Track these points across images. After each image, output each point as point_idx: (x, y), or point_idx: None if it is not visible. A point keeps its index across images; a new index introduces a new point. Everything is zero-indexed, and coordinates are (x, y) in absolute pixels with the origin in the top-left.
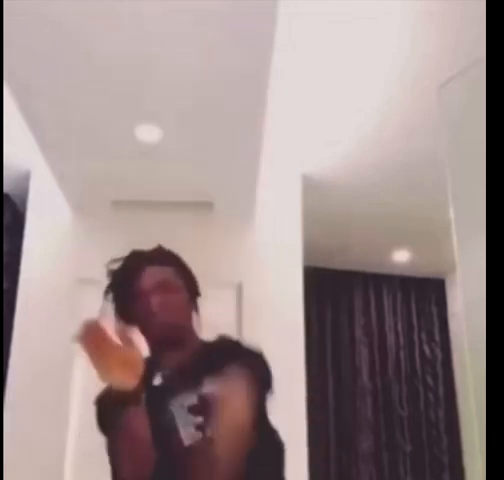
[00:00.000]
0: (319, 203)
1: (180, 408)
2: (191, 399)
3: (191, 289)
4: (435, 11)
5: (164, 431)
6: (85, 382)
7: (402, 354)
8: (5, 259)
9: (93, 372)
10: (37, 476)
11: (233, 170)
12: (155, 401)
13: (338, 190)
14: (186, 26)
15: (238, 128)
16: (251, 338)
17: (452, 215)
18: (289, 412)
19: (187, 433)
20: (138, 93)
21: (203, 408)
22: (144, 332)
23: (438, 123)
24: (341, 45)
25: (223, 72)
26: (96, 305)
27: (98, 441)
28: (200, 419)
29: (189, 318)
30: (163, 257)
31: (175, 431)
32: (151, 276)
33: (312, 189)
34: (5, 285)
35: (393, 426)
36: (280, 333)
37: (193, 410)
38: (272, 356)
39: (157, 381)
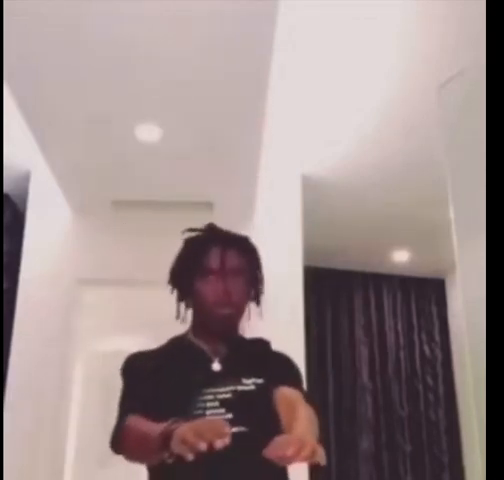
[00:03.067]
0: (319, 203)
1: (213, 400)
2: (226, 394)
3: (258, 286)
4: (435, 11)
5: (193, 417)
6: (85, 382)
7: (402, 354)
8: (5, 259)
9: (92, 371)
10: (37, 475)
11: (233, 170)
12: (204, 387)
13: (338, 190)
14: (186, 26)
15: (238, 128)
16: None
17: (452, 215)
18: None
19: None
20: (138, 93)
21: (236, 404)
22: (202, 308)
23: (438, 123)
24: (341, 45)
25: (223, 72)
26: (96, 305)
27: (97, 440)
28: (229, 415)
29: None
30: (246, 245)
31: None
32: (232, 259)
33: (312, 189)
34: (5, 285)
35: (393, 426)
36: (280, 333)
37: (225, 404)
38: None
39: (217, 367)
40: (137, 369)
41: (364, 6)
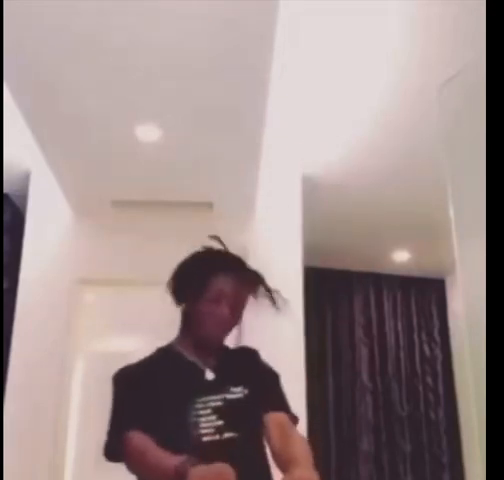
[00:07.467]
0: (319, 203)
1: (205, 408)
2: (216, 402)
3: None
4: (435, 11)
5: (188, 425)
6: (85, 381)
7: (402, 354)
8: (5, 259)
9: (92, 371)
10: (37, 475)
11: (233, 170)
12: (195, 397)
13: (338, 190)
14: (187, 27)
15: (238, 128)
16: (251, 338)
17: (452, 215)
18: None
19: (206, 431)
20: (138, 93)
21: (226, 412)
22: (193, 322)
23: (438, 123)
24: (341, 46)
25: (223, 72)
26: (96, 305)
27: (97, 440)
28: (220, 422)
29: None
30: (243, 266)
31: (197, 426)
32: (233, 285)
33: (312, 189)
34: (5, 285)
35: (393, 426)
36: (280, 333)
37: (216, 412)
38: (272, 356)
39: (210, 376)
40: (129, 382)
41: (364, 6)
